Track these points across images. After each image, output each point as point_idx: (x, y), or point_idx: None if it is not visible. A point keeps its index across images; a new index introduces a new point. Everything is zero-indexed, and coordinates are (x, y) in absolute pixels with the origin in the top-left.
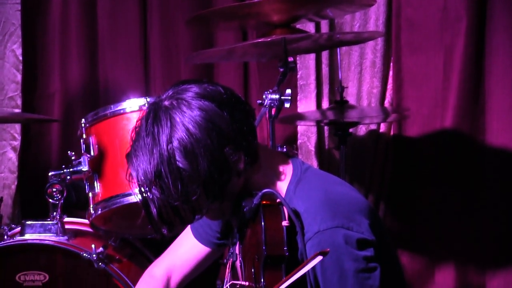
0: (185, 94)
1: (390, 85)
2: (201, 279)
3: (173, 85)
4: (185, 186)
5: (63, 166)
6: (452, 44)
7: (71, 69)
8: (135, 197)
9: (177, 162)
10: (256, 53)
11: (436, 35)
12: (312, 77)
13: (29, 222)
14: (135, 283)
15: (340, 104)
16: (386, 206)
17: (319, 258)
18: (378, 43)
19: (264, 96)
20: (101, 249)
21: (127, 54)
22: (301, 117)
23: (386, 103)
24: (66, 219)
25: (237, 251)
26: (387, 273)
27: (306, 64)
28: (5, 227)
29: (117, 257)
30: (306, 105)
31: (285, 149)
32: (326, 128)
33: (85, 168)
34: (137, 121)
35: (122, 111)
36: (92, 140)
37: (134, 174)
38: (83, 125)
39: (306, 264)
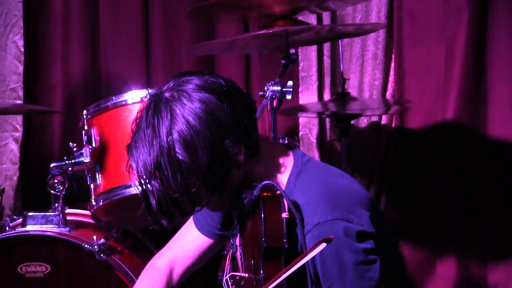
0: (185, 86)
1: (391, 77)
2: (203, 271)
3: (174, 76)
4: (184, 178)
5: (65, 157)
6: (454, 36)
7: (73, 60)
8: (136, 189)
9: (177, 154)
10: (258, 45)
11: (438, 27)
12: (314, 69)
13: (30, 214)
14: (136, 274)
15: (341, 96)
16: (387, 198)
17: (323, 245)
18: (380, 35)
19: (265, 88)
20: (102, 240)
21: (128, 45)
22: (303, 109)
23: (388, 95)
24: (68, 211)
25: (237, 243)
26: (388, 265)
27: (307, 56)
28: (7, 219)
29: (119, 249)
30: (308, 97)
31: (286, 141)
32: (327, 120)
33: (86, 159)
34: (137, 113)
35: (123, 103)
36: (93, 131)
37: (134, 165)
38: (84, 116)
39: (310, 251)
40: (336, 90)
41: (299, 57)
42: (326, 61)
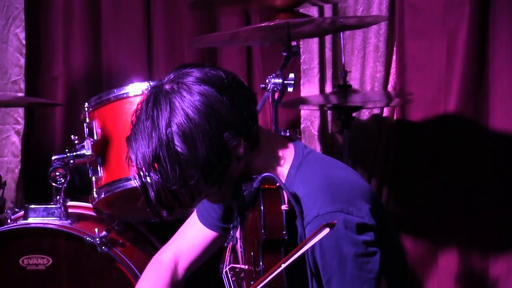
0: (185, 79)
1: (393, 70)
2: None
3: (175, 68)
4: (183, 170)
5: (67, 150)
6: (456, 28)
7: (75, 53)
8: (135, 182)
9: (176, 147)
10: (260, 38)
11: (440, 19)
12: (315, 62)
13: (32, 206)
14: (138, 267)
15: (343, 89)
16: (389, 190)
17: (326, 230)
18: (382, 27)
19: (267, 81)
20: (104, 233)
21: (130, 38)
22: (304, 101)
23: (389, 88)
24: (69, 203)
25: (237, 235)
26: (389, 257)
27: (309, 49)
28: (9, 211)
29: (120, 241)
30: (309, 89)
31: (288, 134)
32: (329, 112)
33: (88, 152)
34: (137, 105)
35: (125, 95)
36: (95, 124)
37: (133, 157)
38: (86, 109)
39: (313, 237)
40: (337, 82)
41: (301, 50)
42: (328, 53)
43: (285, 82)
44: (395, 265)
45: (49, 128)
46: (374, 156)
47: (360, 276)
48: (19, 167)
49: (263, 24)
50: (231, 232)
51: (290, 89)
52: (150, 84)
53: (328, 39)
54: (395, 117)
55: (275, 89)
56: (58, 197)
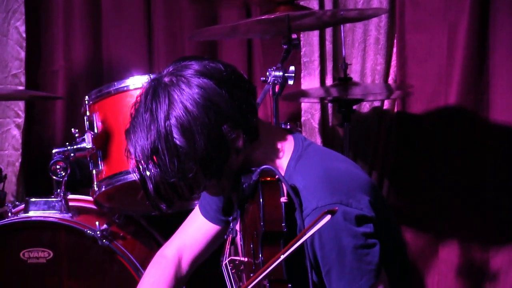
0: (184, 71)
1: (394, 62)
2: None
3: (174, 61)
4: (181, 163)
5: (67, 143)
6: (456, 21)
7: (75, 46)
8: (134, 174)
9: (174, 139)
10: (260, 30)
11: (440, 11)
12: (316, 54)
13: (33, 199)
14: (139, 260)
15: (343, 81)
16: (389, 183)
17: (328, 217)
18: (382, 20)
19: (267, 73)
20: (105, 226)
21: (131, 31)
22: (305, 94)
23: (390, 80)
24: (70, 196)
25: (237, 228)
26: (389, 250)
27: (309, 41)
28: (9, 204)
29: (121, 234)
30: (310, 82)
31: (288, 126)
32: (330, 105)
33: (89, 145)
34: (137, 97)
35: (125, 88)
36: (95, 117)
37: (131, 150)
38: (86, 102)
39: (314, 224)
40: (338, 75)
41: (301, 42)
42: (328, 46)
43: (286, 75)
44: (395, 257)
45: (50, 121)
46: (375, 149)
47: (360, 268)
48: (20, 160)
49: (263, 17)
50: (231, 225)
51: (290, 82)
52: (150, 78)
53: (328, 31)
54: (395, 110)
55: (276, 82)
56: (58, 190)
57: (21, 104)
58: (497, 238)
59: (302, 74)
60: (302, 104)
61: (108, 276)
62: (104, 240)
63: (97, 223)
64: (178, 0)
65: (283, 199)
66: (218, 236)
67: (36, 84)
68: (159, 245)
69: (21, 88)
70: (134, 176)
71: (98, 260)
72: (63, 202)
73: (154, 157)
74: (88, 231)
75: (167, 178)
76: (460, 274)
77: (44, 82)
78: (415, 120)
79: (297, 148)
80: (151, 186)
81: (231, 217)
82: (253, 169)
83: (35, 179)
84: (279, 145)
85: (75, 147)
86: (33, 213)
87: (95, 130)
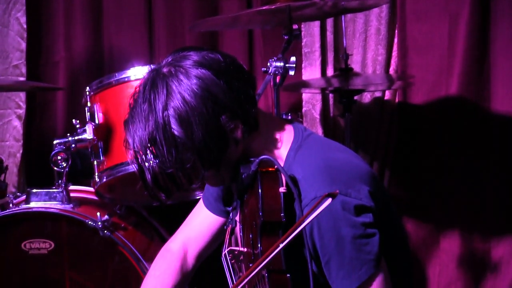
0: (183, 62)
1: (395, 53)
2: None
3: (173, 51)
4: (179, 153)
5: (68, 134)
6: (458, 11)
7: (76, 37)
8: (132, 165)
9: (172, 130)
10: (261, 21)
11: (441, 2)
12: (317, 45)
13: (34, 190)
14: (140, 251)
15: (345, 72)
16: (391, 173)
17: (329, 200)
18: (383, 10)
19: (268, 64)
20: (106, 217)
21: (131, 21)
22: (306, 84)
23: (391, 71)
24: (71, 187)
25: (237, 218)
26: (390, 240)
27: (310, 32)
28: (11, 195)
29: (123, 225)
30: (311, 72)
31: (289, 117)
32: (331, 95)
33: (90, 136)
34: (136, 88)
35: (126, 79)
36: (96, 108)
37: (130, 140)
38: (87, 93)
39: (315, 208)
40: (339, 65)
41: (302, 33)
42: (329, 36)
43: (287, 65)
44: (396, 247)
45: (51, 112)
46: (376, 139)
47: (359, 258)
48: (21, 151)
49: (264, 8)
50: (231, 215)
51: (291, 73)
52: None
53: (329, 22)
54: (396, 100)
55: (277, 72)
56: (60, 181)
57: (22, 95)
58: (499, 229)
59: (303, 65)
60: (303, 95)
61: (109, 266)
62: (105, 231)
63: (98, 214)
64: None
65: (281, 189)
66: (223, 228)
67: (37, 75)
68: (160, 236)
69: (22, 79)
70: (132, 167)
71: (99, 251)
72: (64, 193)
73: (152, 148)
74: (90, 222)
75: (165, 169)
76: (461, 265)
77: (45, 73)
78: (416, 111)
79: (296, 138)
80: (149, 176)
81: (231, 207)
82: (252, 159)
83: (36, 170)
84: (278, 136)
85: (76, 138)
86: (34, 204)
87: (96, 121)
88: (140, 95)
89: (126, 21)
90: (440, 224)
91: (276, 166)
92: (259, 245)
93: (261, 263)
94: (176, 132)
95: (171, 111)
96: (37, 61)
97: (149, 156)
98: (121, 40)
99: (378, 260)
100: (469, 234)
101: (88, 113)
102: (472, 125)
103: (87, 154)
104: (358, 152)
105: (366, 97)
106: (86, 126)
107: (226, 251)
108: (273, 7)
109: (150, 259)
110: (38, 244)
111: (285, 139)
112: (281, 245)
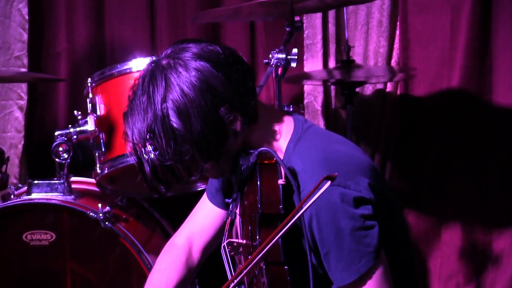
0: (182, 54)
1: (396, 45)
2: None
3: (173, 43)
4: (178, 145)
5: (70, 125)
6: (459, 3)
7: (78, 28)
8: (131, 157)
9: (171, 122)
10: (263, 13)
11: None
12: (319, 37)
13: (35, 182)
14: (141, 242)
15: (346, 64)
16: (392, 165)
17: (328, 183)
18: (385, 2)
19: (270, 56)
20: (107, 208)
21: (133, 13)
22: (308, 76)
23: (393, 63)
24: (73, 179)
25: (237, 209)
26: (391, 232)
27: (312, 24)
28: (12, 187)
29: (124, 217)
30: (313, 64)
31: (291, 109)
32: (332, 87)
33: (91, 127)
34: (135, 80)
35: (128, 71)
36: (98, 99)
37: (129, 132)
38: (89, 84)
39: (314, 191)
40: (341, 57)
41: (304, 25)
42: (331, 28)
43: (289, 57)
44: (397, 240)
45: (52, 103)
46: (378, 131)
47: (358, 250)
48: (22, 142)
49: None
50: (230, 207)
51: (293, 64)
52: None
53: (331, 14)
54: (398, 92)
55: (279, 64)
56: (61, 172)
57: (24, 86)
58: (500, 221)
59: (305, 57)
60: (305, 87)
61: (111, 258)
62: (106, 222)
63: (99, 205)
64: None
65: (280, 181)
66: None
67: (38, 66)
68: (161, 228)
69: (23, 70)
70: (131, 159)
71: (101, 242)
72: (65, 184)
73: (151, 140)
74: (91, 213)
75: (164, 161)
76: (463, 257)
77: (47, 64)
78: (418, 103)
79: (296, 130)
80: (148, 168)
81: (231, 199)
82: (251, 151)
83: (38, 161)
84: (278, 128)
85: (77, 129)
86: (35, 195)
87: (98, 112)
88: (139, 87)
89: (128, 12)
90: (441, 216)
91: (275, 158)
92: (257, 237)
93: (260, 252)
94: (174, 124)
95: (169, 104)
96: (39, 52)
97: (148, 148)
98: (123, 32)
99: (377, 252)
100: (470, 226)
101: (90, 105)
102: (474, 117)
103: (88, 146)
104: (360, 144)
105: (368, 89)
106: (88, 117)
107: (225, 243)
108: None
109: (151, 250)
110: (40, 235)
111: (285, 131)
112: (282, 231)
